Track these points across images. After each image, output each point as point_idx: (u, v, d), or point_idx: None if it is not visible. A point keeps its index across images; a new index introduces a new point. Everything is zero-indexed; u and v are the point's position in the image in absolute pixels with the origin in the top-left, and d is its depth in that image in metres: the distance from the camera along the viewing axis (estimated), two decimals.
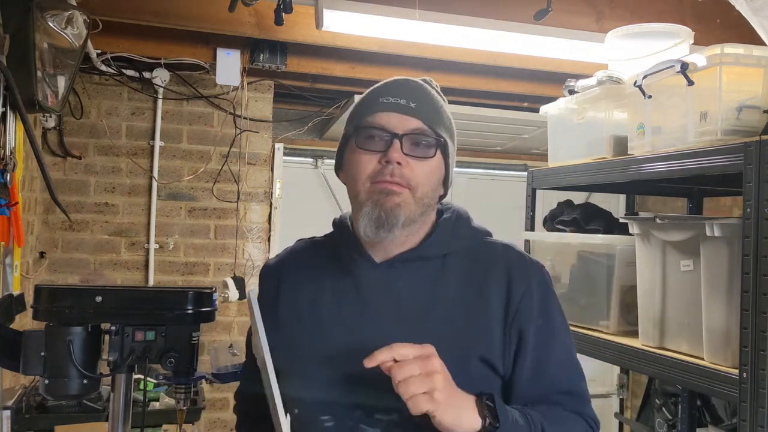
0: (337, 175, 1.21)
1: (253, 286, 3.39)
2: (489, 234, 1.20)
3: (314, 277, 1.17)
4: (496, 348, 1.07)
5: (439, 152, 1.11)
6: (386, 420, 1.05)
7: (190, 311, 1.12)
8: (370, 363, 0.92)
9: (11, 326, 1.39)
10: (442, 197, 1.18)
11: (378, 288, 1.11)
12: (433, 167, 1.10)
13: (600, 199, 3.23)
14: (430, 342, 1.06)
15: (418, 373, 0.92)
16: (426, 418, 1.04)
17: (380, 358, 0.92)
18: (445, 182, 1.16)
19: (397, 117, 1.08)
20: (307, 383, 1.11)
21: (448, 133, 1.14)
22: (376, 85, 1.16)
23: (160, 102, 3.36)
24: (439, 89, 1.19)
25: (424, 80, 1.18)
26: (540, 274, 1.13)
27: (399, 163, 1.06)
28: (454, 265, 1.12)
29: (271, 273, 1.24)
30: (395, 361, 0.93)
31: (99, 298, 1.08)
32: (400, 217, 1.07)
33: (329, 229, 1.23)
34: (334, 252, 1.18)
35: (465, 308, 1.08)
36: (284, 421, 0.97)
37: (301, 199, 3.97)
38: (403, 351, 0.93)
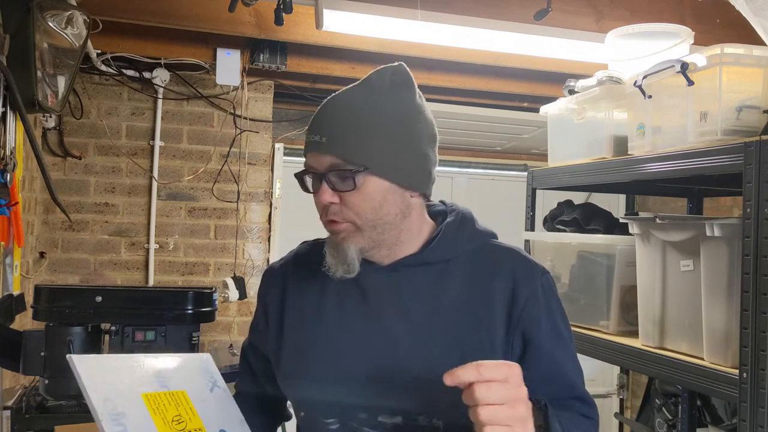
0: None
1: (254, 286, 3.39)
2: (494, 236, 1.18)
3: (319, 280, 1.16)
4: (499, 353, 1.06)
5: (364, 177, 1.04)
6: (390, 423, 1.05)
7: (190, 311, 1.12)
8: (451, 381, 0.85)
9: (11, 326, 1.39)
10: (427, 196, 1.14)
11: (381, 292, 1.10)
12: (365, 194, 1.04)
13: (600, 199, 3.23)
14: (434, 346, 1.06)
15: (504, 402, 0.85)
16: (429, 423, 1.04)
17: (464, 378, 0.85)
18: (412, 185, 1.09)
19: (315, 157, 1.06)
20: (312, 386, 1.11)
21: (373, 149, 1.05)
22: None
23: (160, 102, 3.36)
24: (389, 76, 1.10)
25: (367, 77, 1.11)
26: (545, 279, 1.12)
27: (332, 202, 1.05)
28: (459, 270, 1.11)
29: (276, 276, 1.23)
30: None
31: (99, 298, 1.08)
32: (349, 250, 1.06)
33: None
34: None
35: (469, 313, 1.08)
36: None
37: (301, 199, 3.96)
38: (491, 373, 0.85)
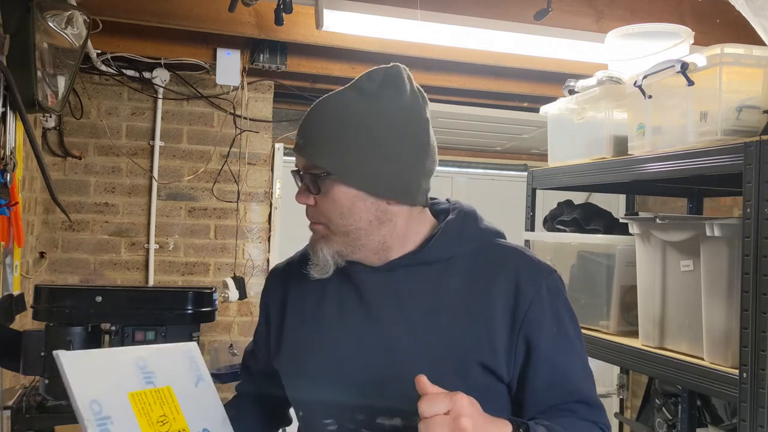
0: None
1: (254, 286, 3.39)
2: (500, 235, 1.16)
3: (320, 281, 1.15)
4: (500, 355, 1.05)
5: (330, 183, 1.04)
6: (388, 424, 1.04)
7: (190, 311, 1.12)
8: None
9: (11, 326, 1.39)
10: (413, 203, 1.10)
11: (378, 292, 1.09)
12: (332, 200, 1.05)
13: (600, 199, 3.23)
14: (431, 346, 1.05)
15: None
16: None
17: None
18: (387, 194, 1.06)
19: (296, 157, 1.10)
20: (310, 387, 1.11)
21: (340, 156, 1.04)
22: None
23: (160, 102, 3.35)
24: (377, 81, 1.07)
25: (356, 80, 1.09)
26: (551, 279, 1.09)
27: (306, 203, 1.08)
28: (459, 269, 1.09)
29: (278, 277, 1.24)
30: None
31: (99, 298, 1.08)
32: (322, 252, 1.08)
33: None
34: None
35: (467, 313, 1.06)
36: None
37: None
38: (431, 408, 0.86)
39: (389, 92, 1.06)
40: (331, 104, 1.08)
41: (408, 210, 1.10)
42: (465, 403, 0.87)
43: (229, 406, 1.21)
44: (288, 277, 1.21)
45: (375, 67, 1.09)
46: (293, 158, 3.82)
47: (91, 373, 0.98)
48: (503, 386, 1.07)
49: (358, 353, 1.08)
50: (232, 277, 3.30)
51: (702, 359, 1.52)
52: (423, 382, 0.88)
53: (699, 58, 1.49)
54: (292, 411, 1.24)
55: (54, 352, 0.95)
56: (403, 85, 1.08)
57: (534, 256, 1.14)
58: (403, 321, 1.07)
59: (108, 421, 0.95)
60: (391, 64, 1.10)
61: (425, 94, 1.11)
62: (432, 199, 1.18)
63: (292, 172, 1.11)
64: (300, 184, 1.09)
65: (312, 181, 1.06)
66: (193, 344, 1.16)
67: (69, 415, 2.24)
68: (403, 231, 1.10)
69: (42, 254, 3.23)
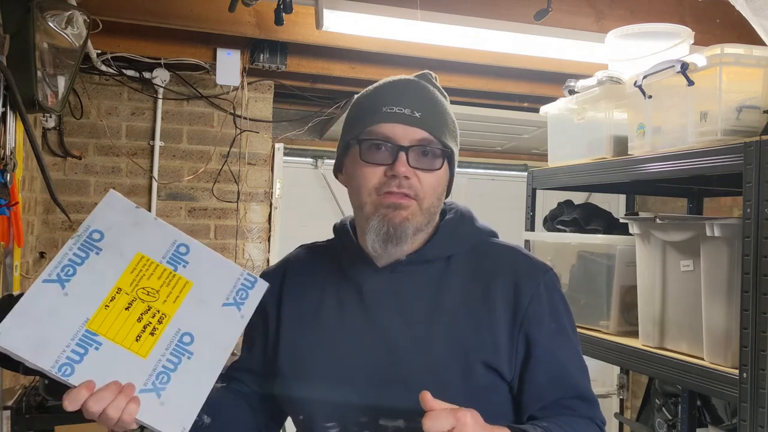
0: (336, 177, 1.18)
1: None
2: (494, 234, 1.18)
3: (317, 283, 1.16)
4: (503, 353, 1.05)
5: (445, 162, 1.09)
6: (391, 426, 1.04)
7: None
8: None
9: None
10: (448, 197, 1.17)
11: (380, 293, 1.10)
12: (439, 177, 1.08)
13: (600, 199, 3.23)
14: (435, 347, 1.05)
15: None
16: None
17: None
18: (449, 186, 1.15)
19: (402, 128, 1.05)
20: (311, 389, 1.10)
21: (453, 138, 1.11)
22: (376, 88, 1.12)
23: (160, 102, 3.36)
24: (437, 82, 1.16)
25: (422, 75, 1.15)
26: (548, 276, 1.11)
27: (406, 177, 1.03)
28: (458, 268, 1.11)
29: (272, 280, 1.20)
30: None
31: None
32: (409, 230, 1.05)
33: (329, 228, 1.22)
34: (336, 258, 1.17)
35: (469, 312, 1.07)
36: None
37: (301, 199, 3.98)
38: (437, 424, 0.86)
39: (445, 95, 1.16)
40: (425, 90, 1.11)
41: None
42: (468, 420, 0.87)
43: (226, 390, 1.18)
44: (281, 282, 1.20)
45: (424, 71, 1.16)
46: (293, 158, 3.83)
47: (121, 216, 0.93)
48: (505, 385, 1.07)
49: (360, 354, 1.07)
50: None
51: (702, 359, 1.52)
52: (427, 398, 0.88)
53: (699, 58, 1.49)
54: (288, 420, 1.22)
55: (111, 190, 0.94)
56: None
57: (530, 254, 1.16)
58: (405, 321, 1.07)
59: (95, 249, 0.88)
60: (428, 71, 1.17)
61: None
62: None
63: (370, 141, 1.05)
64: (394, 155, 1.04)
65: (428, 155, 1.06)
66: (261, 281, 1.08)
67: (69, 415, 2.24)
68: (431, 225, 1.13)
69: (42, 254, 3.23)
